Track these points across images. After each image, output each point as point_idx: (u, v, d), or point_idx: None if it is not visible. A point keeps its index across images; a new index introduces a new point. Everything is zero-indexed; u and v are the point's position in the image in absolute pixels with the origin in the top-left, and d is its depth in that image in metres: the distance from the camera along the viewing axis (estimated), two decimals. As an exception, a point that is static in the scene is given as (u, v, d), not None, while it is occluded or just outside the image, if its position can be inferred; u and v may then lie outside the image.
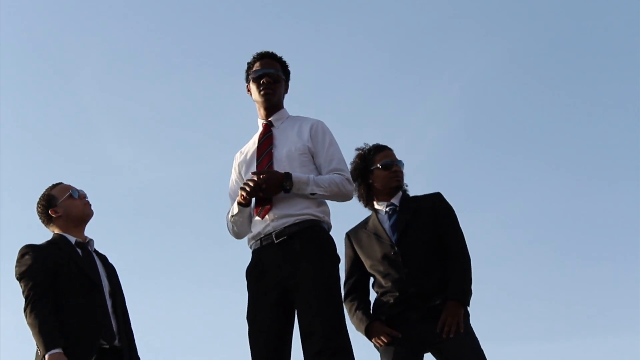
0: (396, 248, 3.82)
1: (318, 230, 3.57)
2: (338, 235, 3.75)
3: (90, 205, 4.00)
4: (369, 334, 3.83)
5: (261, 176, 3.51)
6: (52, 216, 3.91)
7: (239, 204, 3.61)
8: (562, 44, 9.92)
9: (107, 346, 3.72)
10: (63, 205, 3.92)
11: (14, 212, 8.91)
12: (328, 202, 3.70)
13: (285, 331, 3.52)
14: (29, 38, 10.13)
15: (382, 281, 3.87)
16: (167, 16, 10.08)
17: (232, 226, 3.73)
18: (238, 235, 3.76)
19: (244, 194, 3.54)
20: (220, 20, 10.20)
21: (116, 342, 3.77)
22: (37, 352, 3.64)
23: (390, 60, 10.00)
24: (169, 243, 9.57)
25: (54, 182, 4.02)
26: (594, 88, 9.84)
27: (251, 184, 3.51)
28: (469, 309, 3.79)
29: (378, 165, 3.98)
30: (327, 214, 3.67)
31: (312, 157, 3.70)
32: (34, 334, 3.58)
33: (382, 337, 3.77)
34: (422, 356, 3.80)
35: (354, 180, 4.00)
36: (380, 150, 4.02)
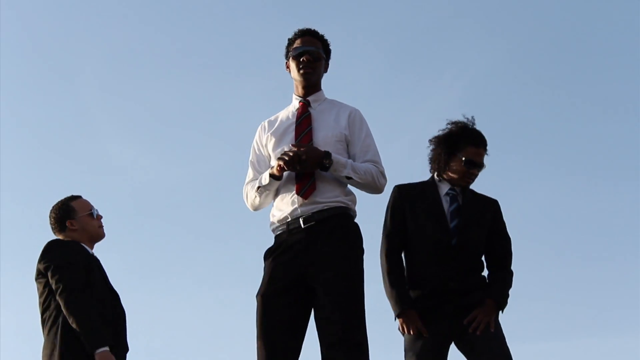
0: (452, 237, 3.77)
1: (347, 218, 3.55)
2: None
3: (103, 228, 4.02)
4: (398, 316, 3.78)
5: (302, 149, 3.46)
6: (66, 226, 3.92)
7: (272, 176, 3.54)
8: (562, 44, 9.94)
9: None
10: (81, 221, 3.93)
11: (14, 212, 8.92)
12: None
13: (298, 314, 3.45)
14: (29, 38, 10.13)
15: (421, 265, 3.82)
16: (167, 16, 10.08)
17: (255, 196, 3.64)
18: (257, 207, 3.69)
19: (281, 163, 3.46)
20: (220, 20, 10.20)
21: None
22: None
23: (390, 60, 10.00)
24: (169, 243, 9.56)
25: (74, 194, 4.03)
26: (594, 88, 9.86)
27: (291, 154, 3.44)
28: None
29: (463, 157, 3.85)
30: (355, 202, 3.64)
31: (347, 145, 3.65)
32: (80, 327, 3.55)
33: (411, 329, 3.73)
34: (448, 347, 3.79)
35: (437, 144, 3.94)
36: (474, 145, 3.86)
